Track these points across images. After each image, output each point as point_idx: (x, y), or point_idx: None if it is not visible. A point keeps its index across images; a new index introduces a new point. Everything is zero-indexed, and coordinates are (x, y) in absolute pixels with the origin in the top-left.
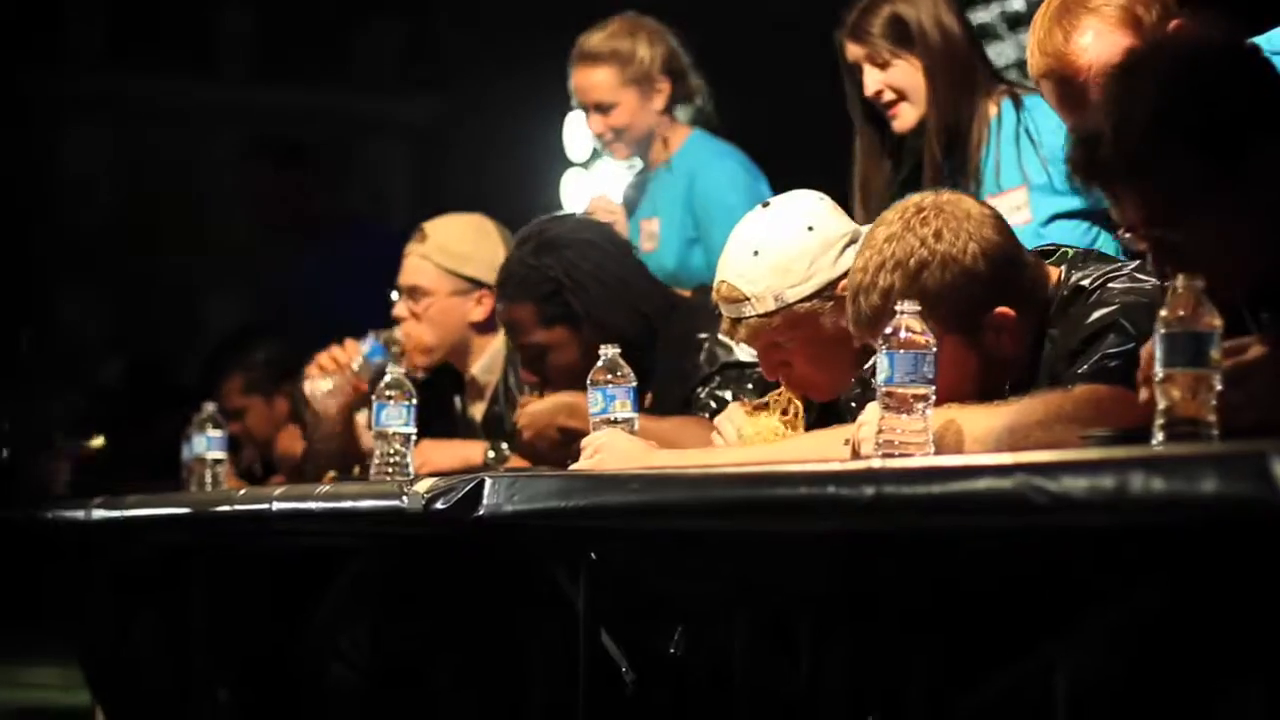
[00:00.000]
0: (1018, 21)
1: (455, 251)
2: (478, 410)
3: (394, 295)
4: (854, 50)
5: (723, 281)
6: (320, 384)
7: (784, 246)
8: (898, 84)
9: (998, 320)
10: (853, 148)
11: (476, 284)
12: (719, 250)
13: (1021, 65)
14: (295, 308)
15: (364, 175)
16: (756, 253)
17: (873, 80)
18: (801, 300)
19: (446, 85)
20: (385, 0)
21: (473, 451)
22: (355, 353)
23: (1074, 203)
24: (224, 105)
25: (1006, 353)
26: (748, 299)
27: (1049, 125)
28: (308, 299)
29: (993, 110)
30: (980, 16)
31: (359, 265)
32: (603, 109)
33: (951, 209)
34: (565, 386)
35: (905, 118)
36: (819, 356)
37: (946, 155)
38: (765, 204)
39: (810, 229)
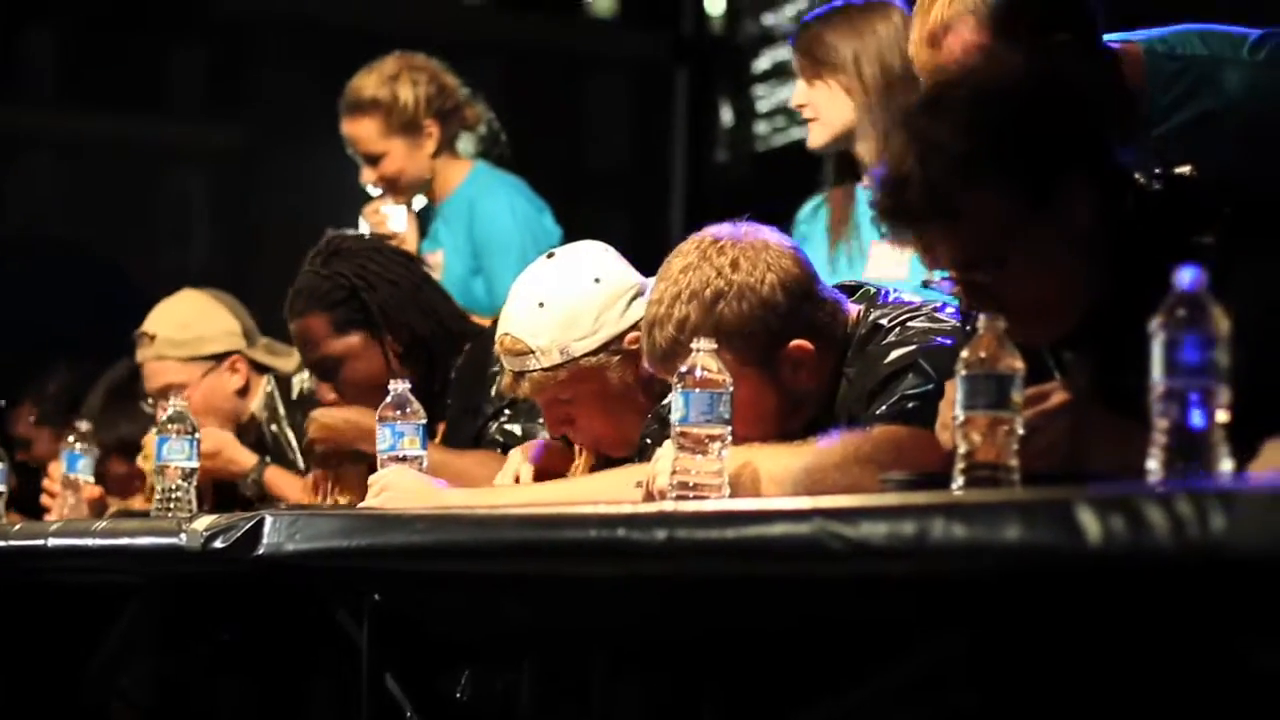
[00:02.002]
0: None
1: (186, 338)
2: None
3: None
4: (796, 61)
5: (506, 334)
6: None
7: (570, 299)
8: (816, 102)
9: (795, 354)
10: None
11: (222, 356)
12: (498, 278)
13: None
14: None
15: (167, 203)
16: (541, 304)
17: (798, 93)
18: (588, 354)
19: (249, 113)
20: (187, 28)
21: (246, 458)
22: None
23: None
24: (29, 129)
25: (804, 387)
26: (532, 352)
27: None
28: None
29: None
30: (769, 20)
31: None
32: (372, 160)
33: (749, 239)
34: (363, 398)
35: (814, 136)
36: (604, 411)
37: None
38: (550, 254)
39: (597, 280)
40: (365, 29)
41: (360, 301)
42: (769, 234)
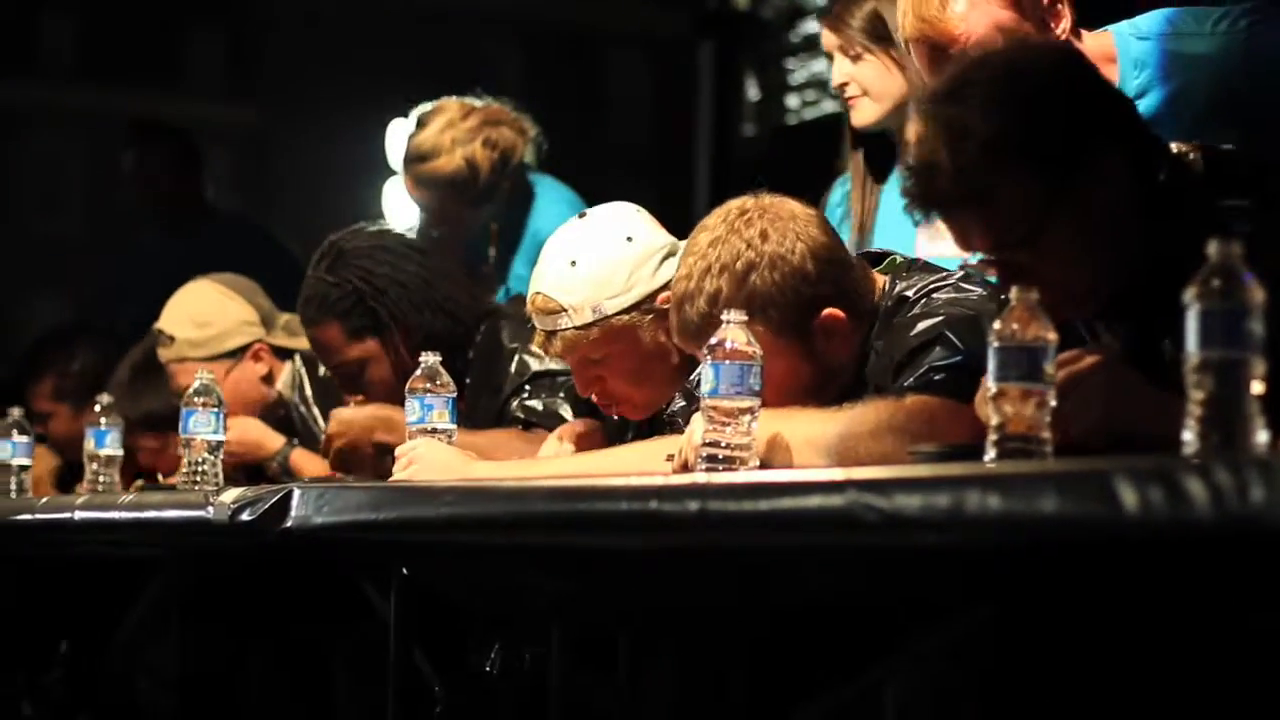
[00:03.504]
0: None
1: (205, 337)
2: None
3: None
4: (829, 39)
5: (538, 293)
6: None
7: (602, 257)
8: (864, 79)
9: (828, 322)
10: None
11: (243, 349)
12: None
13: None
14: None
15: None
16: (574, 263)
17: (841, 71)
18: (620, 312)
19: (268, 92)
20: (207, 7)
21: (273, 441)
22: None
23: None
24: (46, 107)
25: (838, 357)
26: (564, 310)
27: None
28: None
29: None
30: (815, 27)
31: (219, 260)
32: (443, 222)
33: (776, 209)
34: (390, 397)
35: (864, 112)
36: (636, 372)
37: None
38: (582, 215)
39: (629, 239)
40: (385, 8)
41: (369, 307)
42: (793, 203)
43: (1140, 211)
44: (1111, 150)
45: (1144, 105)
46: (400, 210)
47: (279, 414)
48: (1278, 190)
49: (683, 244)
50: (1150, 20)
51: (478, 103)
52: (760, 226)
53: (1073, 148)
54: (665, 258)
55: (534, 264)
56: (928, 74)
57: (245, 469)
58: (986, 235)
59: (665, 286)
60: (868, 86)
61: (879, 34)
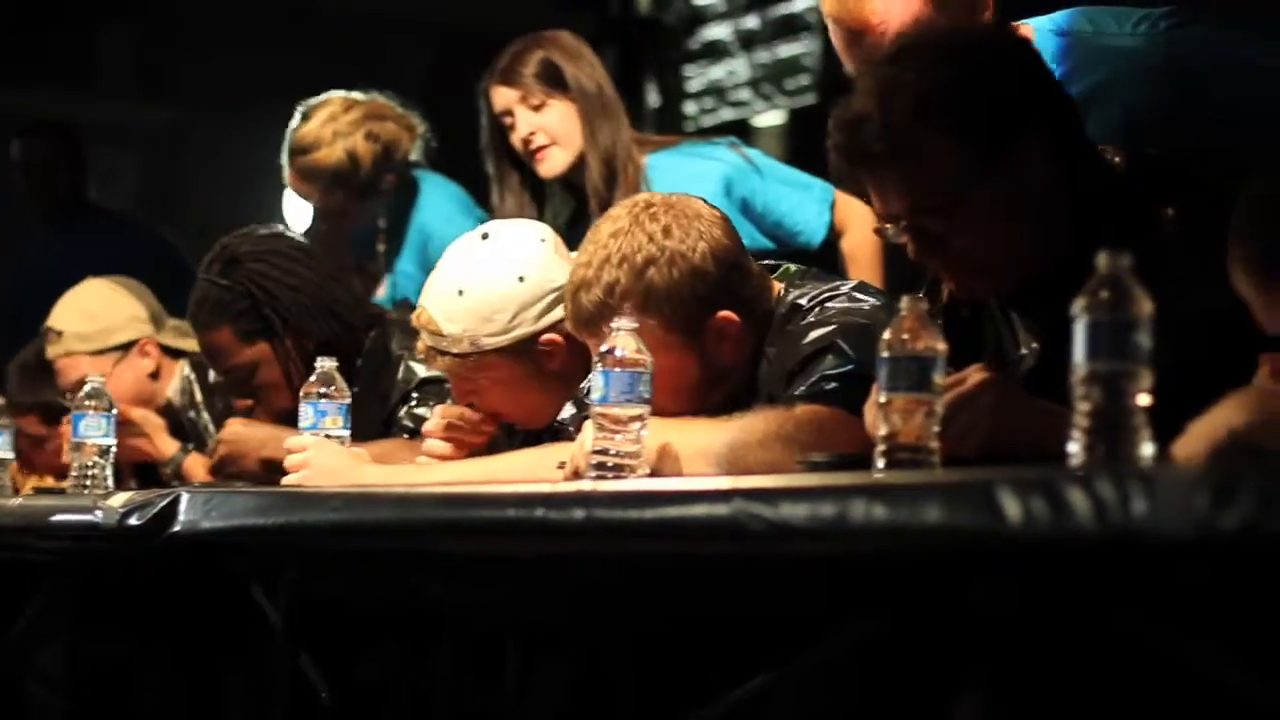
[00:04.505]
0: (751, 41)
1: (93, 330)
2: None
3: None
4: (505, 95)
5: (424, 309)
6: None
7: (488, 294)
8: (551, 127)
9: (720, 324)
10: (495, 193)
11: (130, 344)
12: None
13: (755, 84)
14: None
15: (94, 183)
16: (461, 292)
17: (525, 123)
18: (497, 350)
19: (177, 93)
20: (116, 6)
21: (168, 446)
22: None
23: None
24: None
25: (727, 361)
26: (444, 336)
27: (673, 183)
28: (46, 288)
29: (642, 160)
30: (714, 33)
31: (105, 257)
32: (329, 216)
33: (682, 207)
34: (279, 403)
35: (554, 162)
36: (511, 395)
37: (608, 190)
38: (485, 235)
39: (521, 279)
40: (297, 6)
41: (261, 311)
42: (699, 203)
43: (1059, 204)
44: (1041, 138)
45: None
46: (299, 210)
47: (168, 424)
48: (1197, 197)
49: None
50: (1069, 17)
51: (362, 97)
52: (664, 222)
53: (1003, 124)
54: (554, 301)
55: (420, 261)
56: (843, 56)
57: (139, 472)
58: (905, 196)
59: (550, 328)
60: (556, 134)
61: (556, 80)
